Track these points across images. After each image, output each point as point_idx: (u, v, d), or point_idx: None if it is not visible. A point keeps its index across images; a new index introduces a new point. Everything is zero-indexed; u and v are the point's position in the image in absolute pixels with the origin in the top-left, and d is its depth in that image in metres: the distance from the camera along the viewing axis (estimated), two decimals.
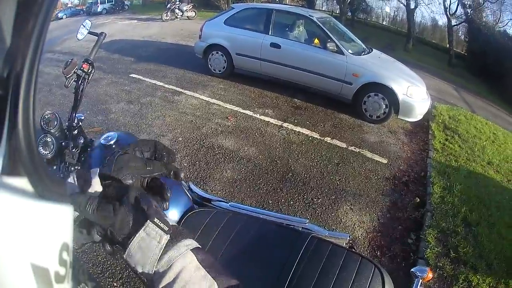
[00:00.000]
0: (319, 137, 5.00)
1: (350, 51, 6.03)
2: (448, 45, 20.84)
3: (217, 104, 5.85)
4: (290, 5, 19.11)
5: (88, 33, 2.12)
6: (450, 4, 20.58)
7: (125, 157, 0.69)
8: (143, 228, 0.57)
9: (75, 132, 1.74)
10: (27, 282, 0.33)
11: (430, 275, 1.34)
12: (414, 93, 5.51)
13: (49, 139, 1.59)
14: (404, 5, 22.35)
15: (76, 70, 1.73)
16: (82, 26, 2.15)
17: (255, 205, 3.34)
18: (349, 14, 24.88)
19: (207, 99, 6.03)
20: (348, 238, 1.61)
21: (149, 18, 18.35)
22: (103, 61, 7.80)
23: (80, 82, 1.76)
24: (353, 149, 4.75)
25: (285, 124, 5.30)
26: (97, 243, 0.68)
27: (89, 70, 1.78)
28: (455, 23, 21.30)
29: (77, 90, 1.76)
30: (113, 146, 1.57)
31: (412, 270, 1.36)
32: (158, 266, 0.56)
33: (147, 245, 0.56)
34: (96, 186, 0.63)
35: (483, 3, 20.22)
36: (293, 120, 5.52)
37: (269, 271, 1.26)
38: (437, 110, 6.99)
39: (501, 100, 12.74)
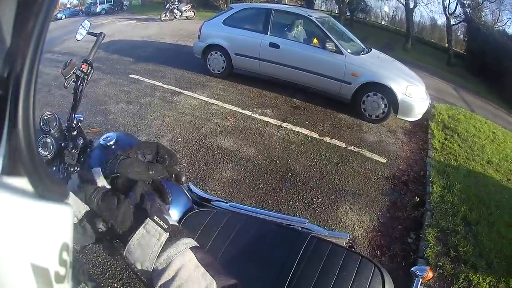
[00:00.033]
0: (318, 137, 5.00)
1: (349, 50, 6.03)
2: (447, 45, 20.85)
3: (216, 104, 5.85)
4: (289, 5, 19.12)
5: (87, 33, 2.13)
6: (449, 4, 20.62)
7: (127, 161, 0.69)
8: (143, 225, 0.58)
9: (75, 132, 1.74)
10: (27, 282, 0.33)
11: (430, 274, 1.34)
12: (413, 92, 5.51)
13: (48, 140, 1.59)
14: (403, 4, 22.39)
15: (75, 71, 1.73)
16: (81, 26, 2.15)
17: (254, 205, 3.34)
18: (348, 13, 24.88)
19: (206, 99, 6.03)
20: (348, 238, 1.61)
21: (148, 18, 18.35)
22: (102, 62, 7.80)
23: (79, 82, 1.76)
24: (353, 149, 4.76)
25: (284, 124, 5.30)
26: (99, 243, 0.68)
27: (88, 71, 1.78)
28: (454, 23, 21.34)
29: (76, 90, 1.76)
30: (113, 147, 1.57)
31: (412, 269, 1.36)
32: (157, 264, 0.56)
33: (146, 242, 0.57)
34: (102, 183, 0.64)
35: (482, 2, 20.23)
36: (292, 120, 5.53)
37: (269, 271, 1.25)
38: (436, 110, 7.00)
39: (500, 99, 12.76)
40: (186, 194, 1.65)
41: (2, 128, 0.32)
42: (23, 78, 0.33)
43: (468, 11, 20.32)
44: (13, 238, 0.31)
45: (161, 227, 0.58)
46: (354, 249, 1.57)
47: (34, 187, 0.35)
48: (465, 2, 20.26)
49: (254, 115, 5.52)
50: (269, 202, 3.44)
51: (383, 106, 5.65)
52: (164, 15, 16.95)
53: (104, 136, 1.61)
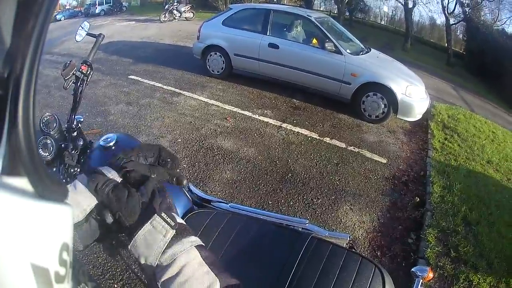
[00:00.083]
0: (318, 137, 5.00)
1: (348, 51, 6.03)
2: (446, 44, 20.85)
3: (216, 105, 5.85)
4: (288, 5, 19.13)
5: (87, 34, 2.13)
6: (448, 3, 20.59)
7: (129, 165, 0.70)
8: (150, 221, 0.58)
9: (75, 134, 1.74)
10: (27, 282, 0.33)
11: (431, 274, 1.34)
12: (413, 92, 5.52)
13: (48, 141, 1.59)
14: (402, 4, 22.40)
15: (74, 72, 1.73)
16: (80, 27, 2.16)
17: (255, 206, 3.34)
18: (347, 14, 24.89)
19: (205, 100, 6.03)
20: (348, 239, 1.61)
21: (147, 19, 18.36)
22: (101, 63, 7.80)
23: (79, 83, 1.76)
24: (353, 149, 4.76)
25: (284, 125, 5.30)
26: (102, 241, 0.69)
27: (88, 72, 1.78)
28: (453, 22, 21.33)
29: (76, 91, 1.76)
30: (113, 148, 1.57)
31: (412, 270, 1.36)
32: (161, 260, 0.56)
33: (152, 238, 0.57)
34: (114, 176, 0.66)
35: (481, 1, 20.26)
36: (292, 120, 5.53)
37: (269, 271, 1.25)
38: (436, 110, 7.00)
39: (499, 99, 12.77)
40: (186, 195, 1.65)
41: (2, 128, 0.32)
42: (23, 78, 0.33)
43: (467, 11, 20.35)
44: (13, 238, 0.31)
45: (168, 223, 0.58)
46: (355, 249, 1.57)
47: (34, 187, 0.35)
48: (464, 1, 20.28)
49: (254, 116, 5.52)
50: (269, 202, 3.43)
51: (382, 106, 5.65)
52: (163, 16, 16.96)
53: (104, 137, 1.61)
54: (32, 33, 0.33)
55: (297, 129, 5.19)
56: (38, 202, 0.35)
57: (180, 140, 4.50)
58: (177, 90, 6.40)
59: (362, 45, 6.83)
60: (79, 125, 1.80)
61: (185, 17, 17.86)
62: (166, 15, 17.16)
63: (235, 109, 5.71)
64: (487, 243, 3.08)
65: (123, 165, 0.69)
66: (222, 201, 1.76)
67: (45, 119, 1.64)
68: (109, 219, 0.63)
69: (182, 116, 5.28)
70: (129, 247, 0.59)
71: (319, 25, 6.20)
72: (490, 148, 5.48)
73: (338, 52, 5.91)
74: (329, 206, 3.46)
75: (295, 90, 6.60)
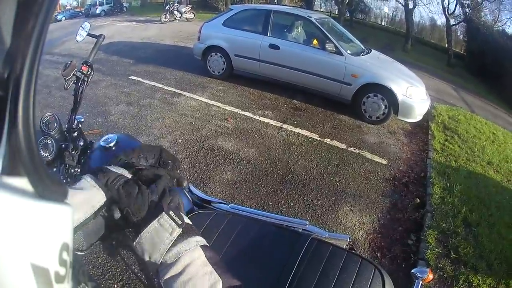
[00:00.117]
0: (318, 138, 5.00)
1: (349, 51, 6.03)
2: (446, 45, 20.83)
3: (216, 105, 5.85)
4: (289, 6, 19.13)
5: (87, 35, 2.13)
6: (448, 4, 20.59)
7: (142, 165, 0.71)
8: (157, 219, 0.59)
9: (75, 134, 1.74)
10: (27, 282, 0.33)
11: (431, 276, 1.33)
12: (414, 93, 5.51)
13: (49, 141, 1.59)
14: (402, 5, 22.41)
15: (75, 72, 1.73)
16: (81, 28, 2.16)
17: (255, 206, 3.34)
18: (348, 14, 24.87)
19: (206, 100, 6.03)
20: (348, 240, 1.60)
21: (148, 20, 18.38)
22: (102, 63, 7.81)
23: (79, 84, 1.76)
24: (353, 150, 4.75)
25: (284, 126, 5.30)
26: (106, 240, 0.69)
27: (88, 72, 1.78)
28: (454, 23, 21.32)
29: (77, 92, 1.76)
30: (113, 148, 1.57)
31: (412, 271, 1.35)
32: (166, 257, 0.57)
33: (158, 235, 0.58)
34: (124, 173, 0.67)
35: (482, 2, 20.22)
36: (293, 121, 5.53)
37: (269, 272, 1.25)
38: (437, 111, 7.00)
39: (500, 100, 12.77)
40: (187, 196, 1.65)
41: (2, 128, 0.32)
42: (23, 78, 0.33)
43: (467, 11, 20.32)
44: (13, 238, 0.31)
45: (175, 222, 0.59)
46: (355, 251, 1.57)
47: (34, 187, 0.35)
48: (464, 2, 20.27)
49: (254, 117, 5.52)
50: (270, 203, 3.43)
51: (383, 107, 5.65)
52: (163, 16, 16.98)
53: (104, 138, 1.61)
54: (32, 33, 0.33)
55: (297, 130, 5.19)
56: (38, 202, 0.35)
57: (180, 140, 4.50)
58: (177, 91, 6.40)
59: (362, 46, 6.82)
60: (80, 125, 1.80)
61: (186, 18, 17.88)
62: (167, 15, 17.18)
63: (236, 110, 5.71)
64: (487, 244, 3.07)
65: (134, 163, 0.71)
66: (222, 202, 1.75)
67: (46, 119, 1.64)
68: (117, 214, 0.63)
69: (183, 116, 5.28)
70: (134, 243, 0.59)
71: (319, 26, 6.20)
72: (491, 149, 5.47)
73: (339, 53, 5.91)
74: (329, 207, 3.46)
75: (296, 91, 6.61)
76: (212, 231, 1.39)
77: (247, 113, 5.62)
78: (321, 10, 28.17)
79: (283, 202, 3.47)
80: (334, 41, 5.98)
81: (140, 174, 0.68)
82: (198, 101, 6.00)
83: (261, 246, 1.36)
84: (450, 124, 6.21)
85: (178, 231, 0.58)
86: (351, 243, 1.68)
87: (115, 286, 2.36)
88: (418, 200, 3.74)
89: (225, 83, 7.04)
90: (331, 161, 4.37)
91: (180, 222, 0.59)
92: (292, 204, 3.46)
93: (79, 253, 0.64)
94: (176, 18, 17.54)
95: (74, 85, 1.76)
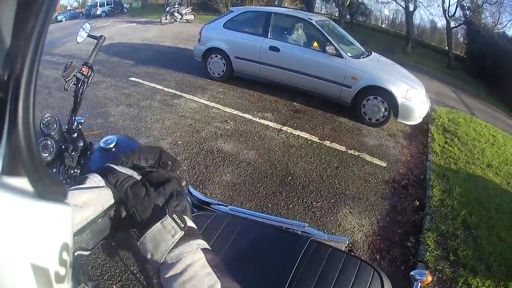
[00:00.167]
0: (318, 141, 5.00)
1: (349, 54, 6.04)
2: (447, 48, 20.80)
3: (216, 107, 5.85)
4: (289, 8, 19.15)
5: (88, 36, 2.13)
6: (449, 6, 20.57)
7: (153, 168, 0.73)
8: (161, 221, 0.61)
9: (75, 135, 1.75)
10: (27, 282, 0.33)
11: (430, 278, 1.34)
12: (413, 96, 5.52)
13: (49, 142, 1.59)
14: (403, 7, 22.42)
15: (75, 73, 1.73)
16: (81, 29, 2.16)
17: (254, 208, 3.33)
18: (348, 17, 24.90)
19: (206, 102, 6.03)
20: (347, 242, 1.61)
21: (148, 21, 18.40)
22: (102, 64, 7.82)
23: (79, 85, 1.76)
24: (353, 153, 4.75)
25: (284, 128, 5.30)
26: (110, 239, 0.71)
27: (89, 73, 1.79)
28: (454, 25, 21.30)
29: (77, 93, 1.77)
30: (113, 149, 1.57)
31: (411, 273, 1.35)
32: (167, 258, 0.59)
33: (161, 237, 0.60)
34: (134, 175, 0.69)
35: (482, 5, 20.23)
36: (293, 123, 5.53)
37: (268, 274, 1.25)
38: (437, 113, 7.00)
39: (500, 102, 12.76)
40: (186, 197, 1.65)
41: (2, 129, 0.32)
42: (23, 79, 0.33)
43: (468, 14, 20.34)
44: (13, 238, 0.32)
45: (178, 225, 0.61)
46: (354, 253, 1.57)
47: (34, 187, 0.35)
48: (465, 4, 20.30)
49: (254, 119, 5.52)
50: (269, 205, 3.43)
51: (383, 109, 5.66)
52: (164, 18, 16.99)
53: (104, 139, 1.61)
54: (32, 33, 0.33)
55: (297, 132, 5.19)
56: (38, 202, 0.35)
57: (180, 142, 4.50)
58: (177, 93, 6.41)
59: (362, 48, 6.84)
60: (80, 126, 1.80)
61: (186, 19, 17.89)
62: (167, 17, 17.18)
63: (236, 112, 5.72)
64: (486, 246, 3.07)
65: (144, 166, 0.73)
66: (222, 203, 1.75)
67: (46, 120, 1.64)
68: (124, 213, 0.66)
69: (183, 118, 5.28)
70: (138, 243, 0.61)
71: (320, 28, 6.21)
72: (490, 151, 5.47)
73: (339, 55, 5.92)
74: (329, 210, 3.46)
75: (296, 93, 6.61)
76: (212, 233, 1.39)
77: (247, 115, 5.63)
78: (322, 12, 28.17)
79: (282, 204, 3.47)
80: (335, 44, 5.99)
81: (150, 176, 0.69)
82: (198, 103, 6.00)
83: (260, 248, 1.36)
84: (450, 127, 6.22)
85: (180, 233, 0.60)
86: (350, 245, 1.69)
87: (114, 286, 2.36)
88: (418, 203, 3.74)
89: (225, 85, 7.05)
90: (330, 163, 4.37)
91: (182, 225, 0.61)
92: (291, 206, 3.46)
93: (85, 252, 0.64)
94: (177, 19, 17.55)
95: (74, 86, 1.76)
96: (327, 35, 6.11)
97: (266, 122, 5.43)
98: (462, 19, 20.90)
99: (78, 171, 1.63)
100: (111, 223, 0.68)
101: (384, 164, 4.54)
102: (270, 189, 3.69)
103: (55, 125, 1.66)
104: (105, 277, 2.41)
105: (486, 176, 4.59)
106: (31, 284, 0.33)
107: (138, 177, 0.69)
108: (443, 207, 3.62)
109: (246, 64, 6.78)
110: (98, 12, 24.41)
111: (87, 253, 0.66)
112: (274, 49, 6.39)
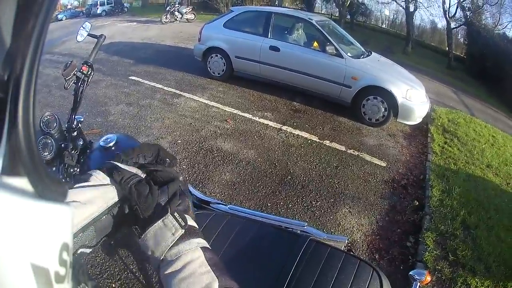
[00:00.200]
0: (318, 140, 5.00)
1: (349, 54, 6.04)
2: (447, 48, 20.77)
3: (216, 107, 5.85)
4: (289, 8, 19.13)
5: (88, 35, 2.14)
6: (449, 7, 20.56)
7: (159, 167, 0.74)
8: (162, 219, 0.62)
9: (75, 133, 1.75)
10: (27, 282, 0.33)
11: (429, 278, 1.34)
12: (413, 96, 5.52)
13: (48, 141, 1.59)
14: (403, 8, 22.41)
15: (75, 72, 1.74)
16: (81, 28, 2.16)
17: (254, 208, 3.33)
18: (348, 17, 24.87)
19: (206, 101, 6.03)
20: (346, 241, 1.61)
21: (149, 20, 18.39)
22: (102, 63, 7.81)
23: (79, 84, 1.76)
24: (352, 152, 4.75)
25: (284, 127, 5.30)
26: (113, 236, 0.72)
27: (89, 72, 1.79)
28: (455, 26, 21.29)
29: (77, 92, 1.77)
30: (113, 148, 1.57)
31: (410, 273, 1.36)
32: (167, 255, 0.60)
33: (162, 234, 0.61)
34: (138, 173, 0.70)
35: (482, 5, 20.24)
36: (292, 123, 5.53)
37: (268, 273, 1.25)
38: (436, 113, 7.00)
39: (500, 103, 12.74)
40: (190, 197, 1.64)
41: (2, 128, 0.32)
42: (23, 78, 0.33)
43: (468, 15, 20.32)
44: (13, 238, 0.32)
45: (179, 223, 0.62)
46: (353, 252, 1.57)
47: (34, 187, 0.35)
48: (465, 5, 20.27)
49: (254, 118, 5.52)
50: (268, 205, 3.43)
51: (383, 109, 5.66)
52: (164, 17, 16.98)
53: (104, 138, 1.61)
54: (32, 33, 0.33)
55: (297, 132, 5.19)
56: (38, 202, 0.35)
57: (180, 141, 4.50)
58: (177, 92, 6.40)
59: (363, 49, 6.84)
60: (79, 125, 1.80)
61: (186, 19, 17.88)
62: (168, 16, 17.17)
63: (235, 111, 5.72)
64: (486, 247, 3.07)
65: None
66: (221, 202, 1.75)
67: (45, 118, 1.64)
68: (126, 210, 0.67)
69: (182, 117, 5.28)
70: (139, 240, 0.62)
71: (320, 28, 6.21)
72: (490, 152, 5.48)
73: (339, 55, 5.92)
74: (328, 209, 3.46)
75: (296, 92, 6.62)
76: (211, 232, 1.39)
77: (246, 115, 5.63)
78: (322, 12, 28.15)
79: (281, 203, 3.47)
80: (335, 44, 5.99)
81: (155, 175, 0.70)
82: (198, 102, 6.00)
83: (259, 247, 1.36)
84: (449, 127, 6.22)
85: (181, 232, 0.61)
86: (349, 244, 1.69)
87: (113, 285, 2.36)
88: (417, 203, 3.74)
89: (225, 84, 7.05)
90: (330, 163, 4.37)
91: (183, 224, 0.62)
92: (290, 205, 3.46)
93: (88, 249, 0.65)
94: (177, 19, 17.54)
95: (74, 85, 1.77)
96: (327, 35, 6.11)
97: (266, 122, 5.43)
98: (463, 19, 20.88)
99: (78, 170, 1.63)
100: (114, 220, 0.69)
101: (383, 164, 4.54)
102: (269, 188, 3.69)
103: (55, 124, 1.66)
104: (104, 276, 2.41)
105: (486, 176, 4.59)
106: (31, 284, 0.33)
107: (143, 175, 0.70)
108: (443, 207, 3.62)
109: (246, 64, 6.78)
110: (99, 11, 24.41)
111: (90, 250, 0.66)
112: (274, 48, 6.39)
